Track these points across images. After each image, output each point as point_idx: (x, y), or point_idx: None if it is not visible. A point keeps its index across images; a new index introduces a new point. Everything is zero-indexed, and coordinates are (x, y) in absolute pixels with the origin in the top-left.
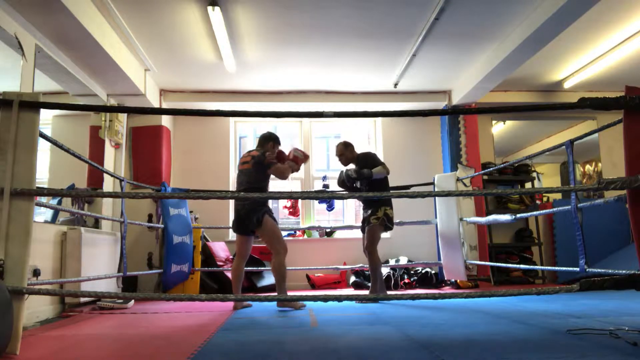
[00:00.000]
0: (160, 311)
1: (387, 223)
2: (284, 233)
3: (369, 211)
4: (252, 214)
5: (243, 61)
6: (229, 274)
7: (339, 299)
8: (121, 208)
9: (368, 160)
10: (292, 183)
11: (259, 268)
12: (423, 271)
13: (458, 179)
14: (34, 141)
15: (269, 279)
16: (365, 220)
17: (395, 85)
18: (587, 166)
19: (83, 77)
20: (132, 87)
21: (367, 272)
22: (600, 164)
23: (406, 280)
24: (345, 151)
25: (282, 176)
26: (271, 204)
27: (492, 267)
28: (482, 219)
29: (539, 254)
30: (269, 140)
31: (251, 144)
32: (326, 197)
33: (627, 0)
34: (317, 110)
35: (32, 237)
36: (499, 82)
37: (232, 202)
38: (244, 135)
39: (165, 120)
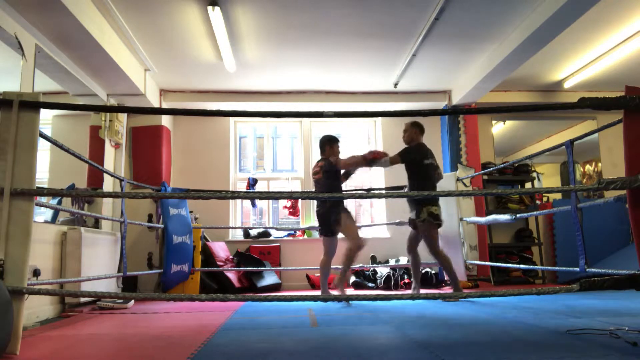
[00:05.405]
0: (160, 311)
1: (434, 221)
2: (283, 233)
3: (414, 212)
4: (331, 215)
5: (243, 61)
6: (229, 274)
7: (339, 299)
8: (121, 208)
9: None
10: (292, 183)
11: (259, 268)
12: (423, 271)
13: (458, 179)
14: (34, 141)
15: (269, 279)
16: (412, 222)
17: (395, 85)
18: (587, 166)
19: (83, 77)
20: (132, 87)
21: (367, 272)
22: (600, 164)
23: (406, 280)
24: (410, 129)
25: (350, 165)
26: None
27: (492, 267)
28: (482, 219)
29: (539, 254)
30: (326, 144)
31: (251, 144)
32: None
33: (627, 0)
34: (317, 110)
35: (32, 237)
36: (499, 82)
37: (232, 202)
38: (244, 135)
39: (165, 120)
